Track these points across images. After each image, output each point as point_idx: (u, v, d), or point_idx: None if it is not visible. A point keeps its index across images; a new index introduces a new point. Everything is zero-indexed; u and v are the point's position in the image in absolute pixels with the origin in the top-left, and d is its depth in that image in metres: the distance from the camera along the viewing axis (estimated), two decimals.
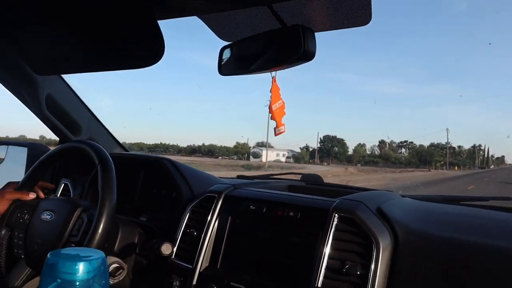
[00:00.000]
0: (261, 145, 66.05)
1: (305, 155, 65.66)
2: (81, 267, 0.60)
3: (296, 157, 65.17)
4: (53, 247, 1.07)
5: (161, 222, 1.44)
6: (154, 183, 1.55)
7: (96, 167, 1.41)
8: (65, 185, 1.66)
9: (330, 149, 68.31)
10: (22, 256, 1.18)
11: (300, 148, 68.99)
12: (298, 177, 1.63)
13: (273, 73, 1.13)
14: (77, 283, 0.59)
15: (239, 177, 1.72)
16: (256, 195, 1.20)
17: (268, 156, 57.67)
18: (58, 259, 0.60)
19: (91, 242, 1.01)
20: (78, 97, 1.70)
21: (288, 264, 1.06)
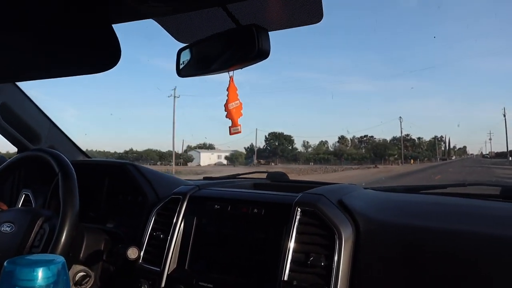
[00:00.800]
0: (202, 147, 61.45)
1: (239, 156, 58.04)
2: (40, 273, 0.60)
3: (229, 158, 57.32)
4: None
5: (128, 228, 1.43)
6: (119, 189, 1.54)
7: (57, 176, 1.39)
8: (26, 195, 1.62)
9: (277, 147, 62.57)
10: None
11: (245, 148, 62.51)
12: (264, 176, 1.66)
13: (231, 73, 1.15)
14: None
15: (205, 178, 1.73)
16: (220, 194, 1.22)
17: (208, 159, 55.11)
18: (15, 266, 0.60)
19: (54, 251, 1.00)
20: (36, 105, 1.67)
21: (255, 260, 1.08)
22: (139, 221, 1.42)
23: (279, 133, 63.79)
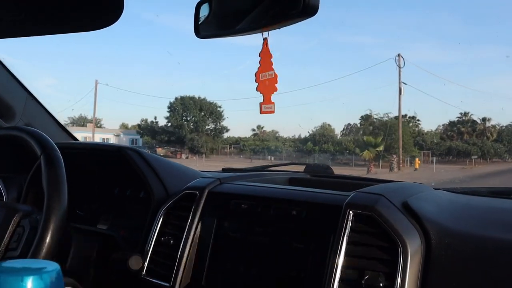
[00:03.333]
0: (77, 123, 52.29)
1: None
2: (29, 283, 0.61)
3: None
4: None
5: (126, 230, 1.45)
6: (115, 180, 1.56)
7: (39, 160, 1.41)
8: None
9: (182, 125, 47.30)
10: None
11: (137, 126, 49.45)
12: (301, 168, 1.66)
13: (265, 34, 1.14)
14: None
15: (224, 170, 1.74)
16: (248, 191, 1.22)
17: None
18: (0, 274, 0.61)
19: (37, 255, 1.02)
20: (10, 73, 1.69)
21: (292, 277, 1.08)
22: (140, 222, 1.44)
23: (191, 96, 47.98)
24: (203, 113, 49.55)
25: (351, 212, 1.06)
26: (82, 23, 1.08)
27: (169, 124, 49.43)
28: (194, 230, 1.20)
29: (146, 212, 1.43)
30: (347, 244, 1.03)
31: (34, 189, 1.55)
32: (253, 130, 57.93)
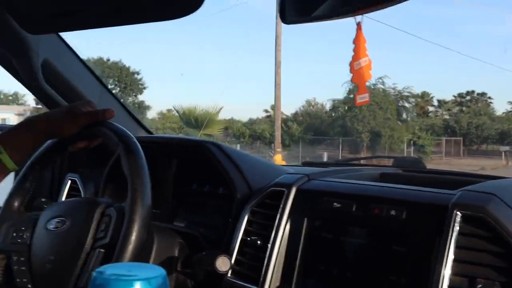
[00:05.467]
0: None
1: None
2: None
3: None
4: (74, 260, 1.10)
5: (205, 228, 1.46)
6: (192, 176, 1.57)
7: (116, 153, 1.43)
8: (73, 181, 1.71)
9: None
10: (29, 286, 1.22)
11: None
12: (389, 162, 1.61)
13: (358, 18, 1.10)
14: None
15: (305, 164, 1.72)
16: (340, 188, 1.20)
17: None
18: (108, 278, 0.61)
19: (127, 239, 1.02)
20: (84, 63, 1.73)
21: (391, 282, 1.05)
22: (219, 220, 1.44)
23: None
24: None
25: (458, 213, 1.01)
26: (164, 12, 1.08)
27: None
28: (282, 230, 1.18)
29: (225, 209, 1.43)
30: (455, 248, 0.99)
31: (111, 184, 1.59)
32: (266, 111, 44.96)
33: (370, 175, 1.46)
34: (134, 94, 39.78)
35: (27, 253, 1.23)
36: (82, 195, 1.63)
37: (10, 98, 46.77)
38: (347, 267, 1.11)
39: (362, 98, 0.96)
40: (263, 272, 1.16)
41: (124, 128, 1.21)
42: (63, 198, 1.69)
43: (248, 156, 1.45)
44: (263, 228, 1.22)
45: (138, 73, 39.55)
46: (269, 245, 1.18)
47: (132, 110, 1.86)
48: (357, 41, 1.02)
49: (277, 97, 19.04)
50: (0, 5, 1.24)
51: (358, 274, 1.10)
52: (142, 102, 40.35)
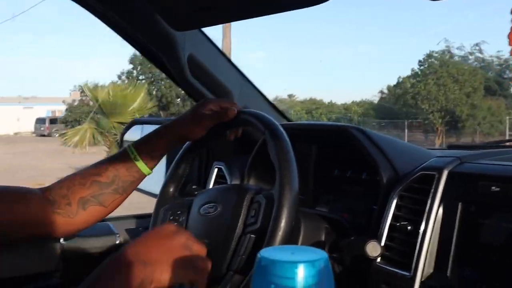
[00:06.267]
0: None
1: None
2: (301, 270, 0.62)
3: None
4: (226, 244, 1.16)
5: (349, 213, 1.45)
6: (335, 161, 1.57)
7: (261, 140, 1.47)
8: (219, 169, 1.79)
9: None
10: None
11: None
12: None
13: None
14: None
15: (451, 147, 1.64)
16: (498, 171, 1.12)
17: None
18: (272, 260, 0.63)
19: (277, 224, 1.05)
20: (224, 55, 1.80)
21: None
22: (363, 205, 1.42)
23: None
24: None
25: None
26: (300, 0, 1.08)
27: None
28: (434, 215, 1.14)
29: (369, 194, 1.41)
30: None
31: (255, 171, 1.64)
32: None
33: None
34: None
35: None
36: (228, 182, 1.70)
37: None
38: (508, 255, 1.04)
39: None
40: (415, 258, 1.13)
41: (268, 116, 1.24)
42: (211, 185, 1.77)
43: (392, 140, 1.41)
44: (413, 213, 1.19)
45: None
46: (421, 231, 1.14)
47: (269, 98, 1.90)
48: None
49: None
50: (149, 5, 1.32)
51: None
52: None
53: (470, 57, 28.77)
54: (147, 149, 1.28)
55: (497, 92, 28.68)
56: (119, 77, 30.76)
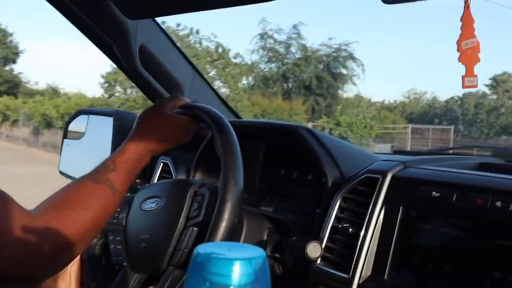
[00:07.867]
0: None
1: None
2: (237, 267, 0.60)
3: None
4: (168, 238, 1.13)
5: (292, 214, 1.45)
6: (281, 161, 1.56)
7: (209, 135, 1.44)
8: (165, 164, 1.75)
9: None
10: (125, 263, 1.26)
11: None
12: (489, 152, 1.52)
13: None
14: None
15: (396, 152, 1.67)
16: (439, 176, 1.14)
17: None
18: (208, 256, 0.60)
19: (220, 217, 1.03)
20: (177, 47, 1.76)
21: (495, 279, 0.98)
22: (308, 206, 1.42)
23: None
24: None
25: None
26: None
27: None
28: (376, 218, 1.14)
29: (314, 195, 1.41)
30: None
31: (201, 167, 1.62)
32: None
33: (469, 164, 1.38)
34: None
35: (123, 233, 1.27)
36: (174, 177, 1.67)
37: None
38: (445, 260, 1.06)
39: (470, 82, 0.90)
40: (354, 260, 1.13)
41: (216, 110, 1.21)
42: (155, 180, 1.74)
43: (340, 142, 1.41)
44: (355, 216, 1.19)
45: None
46: (362, 233, 1.14)
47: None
48: (465, 19, 0.96)
49: None
50: None
51: (457, 269, 1.04)
52: None
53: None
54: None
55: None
56: None
